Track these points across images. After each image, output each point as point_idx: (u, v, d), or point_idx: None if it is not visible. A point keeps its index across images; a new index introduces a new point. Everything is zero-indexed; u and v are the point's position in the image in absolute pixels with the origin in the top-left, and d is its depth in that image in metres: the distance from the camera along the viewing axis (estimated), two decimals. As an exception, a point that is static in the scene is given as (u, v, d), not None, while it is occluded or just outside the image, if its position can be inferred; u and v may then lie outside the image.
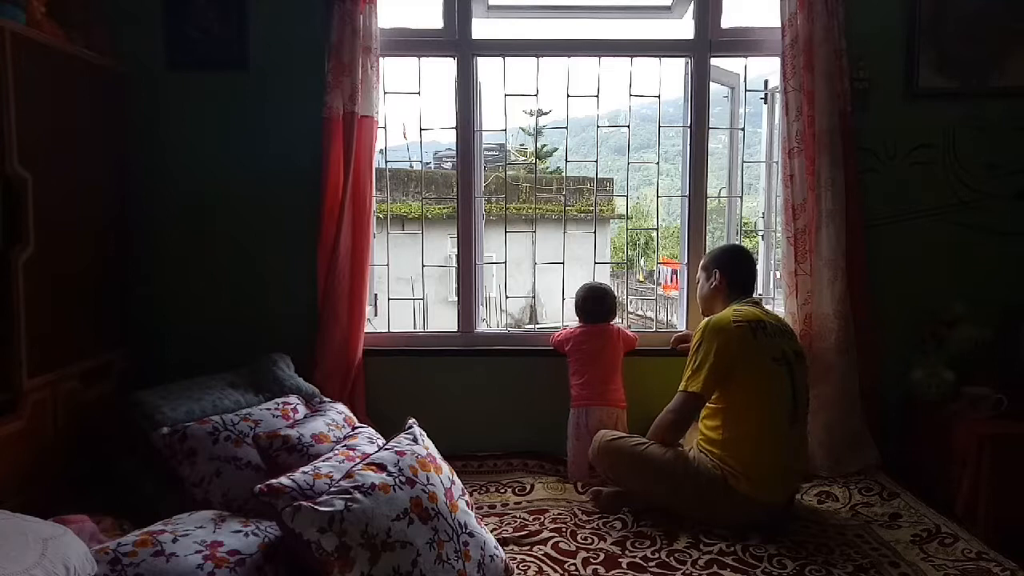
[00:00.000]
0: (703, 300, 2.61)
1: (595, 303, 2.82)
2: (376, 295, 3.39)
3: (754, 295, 2.57)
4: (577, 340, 2.78)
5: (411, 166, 8.49)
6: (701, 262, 2.67)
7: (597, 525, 2.30)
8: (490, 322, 7.81)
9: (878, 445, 2.73)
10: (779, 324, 2.41)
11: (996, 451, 2.41)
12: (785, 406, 2.27)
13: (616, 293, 2.94)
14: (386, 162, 3.29)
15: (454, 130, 2.99)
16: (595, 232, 3.24)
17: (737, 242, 3.06)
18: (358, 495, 1.62)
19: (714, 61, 2.98)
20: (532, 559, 2.07)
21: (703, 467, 2.29)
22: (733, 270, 2.53)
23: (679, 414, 2.36)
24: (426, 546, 1.65)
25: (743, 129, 3.15)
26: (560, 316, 3.28)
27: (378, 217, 3.14)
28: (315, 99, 2.74)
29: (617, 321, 2.91)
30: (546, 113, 15.23)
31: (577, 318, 2.88)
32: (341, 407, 2.35)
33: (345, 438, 2.07)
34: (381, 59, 2.85)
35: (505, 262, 3.25)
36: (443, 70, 3.05)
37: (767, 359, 2.28)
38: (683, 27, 3.09)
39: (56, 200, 2.27)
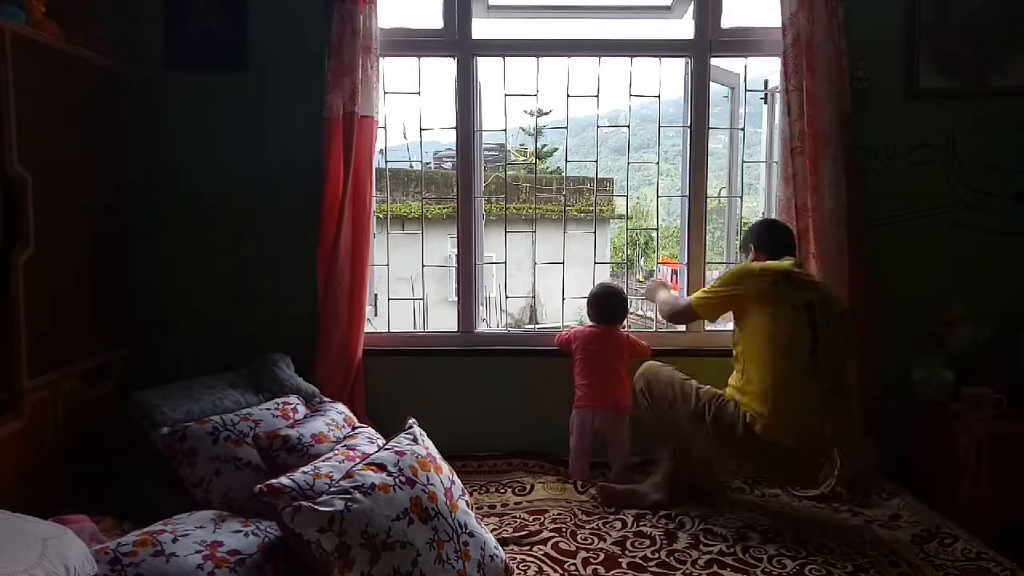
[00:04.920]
0: None
1: (604, 303, 2.83)
2: (376, 295, 3.38)
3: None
4: (584, 340, 2.78)
5: (411, 166, 8.49)
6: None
7: (597, 525, 2.30)
8: (490, 322, 7.80)
9: (878, 445, 2.73)
10: (816, 282, 2.43)
11: (996, 451, 2.41)
12: (801, 353, 2.26)
13: (627, 296, 2.94)
14: (386, 162, 3.29)
15: (454, 130, 2.99)
16: (595, 232, 3.24)
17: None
18: (358, 495, 1.62)
19: (714, 61, 2.98)
20: (532, 559, 2.07)
21: (727, 408, 2.32)
22: (766, 236, 2.56)
23: (676, 312, 2.64)
24: (426, 546, 1.65)
25: (743, 129, 3.15)
26: (560, 316, 3.28)
27: (378, 217, 3.14)
28: (315, 99, 2.74)
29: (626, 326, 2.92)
30: (546, 113, 15.21)
31: (588, 317, 2.88)
32: (341, 407, 2.35)
33: (345, 438, 2.07)
34: (381, 59, 2.85)
35: (505, 262, 3.24)
36: (443, 70, 3.06)
37: (786, 305, 2.30)
38: (683, 27, 3.09)
39: (56, 200, 2.27)
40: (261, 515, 1.77)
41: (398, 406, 2.60)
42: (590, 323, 2.87)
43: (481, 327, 3.12)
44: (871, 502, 2.51)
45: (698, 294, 2.52)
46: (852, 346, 2.50)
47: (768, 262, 2.44)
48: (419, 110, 3.05)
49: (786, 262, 2.42)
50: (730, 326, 3.23)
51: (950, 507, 2.43)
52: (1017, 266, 2.89)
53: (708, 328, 3.07)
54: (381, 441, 2.05)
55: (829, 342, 2.32)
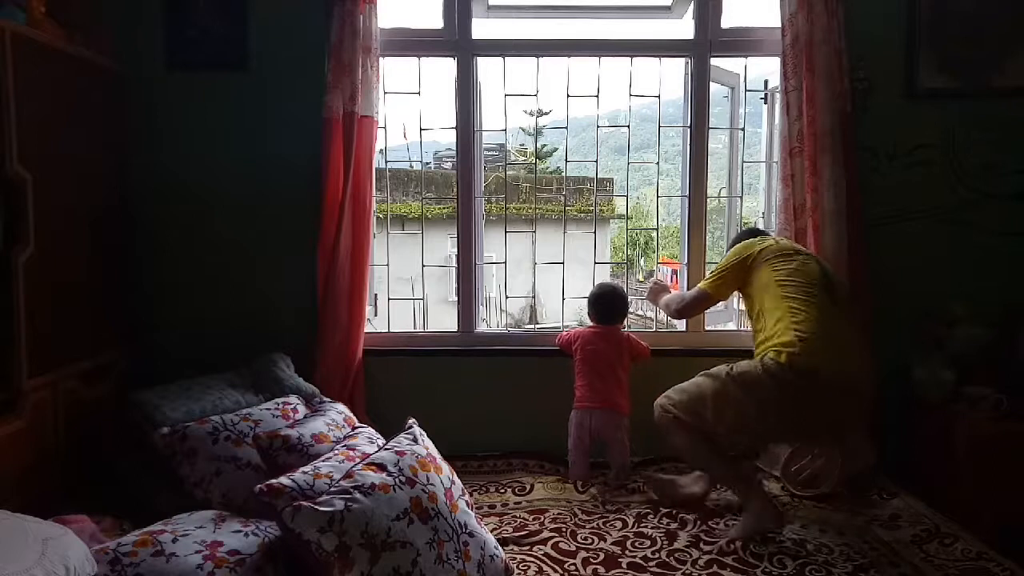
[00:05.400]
0: None
1: (604, 302, 2.82)
2: (376, 295, 3.39)
3: None
4: (584, 340, 2.78)
5: (411, 166, 8.50)
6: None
7: (597, 525, 2.30)
8: (490, 322, 7.80)
9: (878, 445, 2.72)
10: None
11: (996, 451, 2.41)
12: (818, 281, 2.29)
13: (627, 296, 2.93)
14: (386, 162, 3.29)
15: (454, 130, 2.99)
16: (595, 232, 3.24)
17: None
18: (358, 495, 1.62)
19: (714, 61, 2.98)
20: (532, 559, 2.07)
21: (743, 363, 2.27)
22: (744, 235, 2.62)
23: (686, 304, 2.64)
24: (426, 546, 1.65)
25: (743, 129, 3.15)
26: (560, 316, 3.28)
27: (378, 217, 3.14)
28: (315, 99, 2.74)
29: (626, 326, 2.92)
30: (546, 113, 15.23)
31: (589, 318, 2.88)
32: (341, 407, 2.35)
33: (345, 438, 2.07)
34: (381, 59, 2.85)
35: (505, 262, 3.24)
36: (443, 70, 3.06)
37: (791, 253, 2.38)
38: (683, 27, 3.09)
39: (56, 200, 2.27)
40: (261, 515, 1.77)
41: (398, 406, 2.60)
42: (591, 323, 2.87)
43: (481, 327, 3.12)
44: (871, 502, 2.51)
45: (706, 280, 2.56)
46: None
47: None
48: (419, 110, 3.06)
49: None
50: (731, 325, 3.26)
51: (950, 507, 2.43)
52: (1017, 266, 2.89)
53: (708, 328, 3.07)
54: (381, 441, 2.05)
55: (840, 285, 2.35)
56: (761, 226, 3.27)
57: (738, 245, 2.52)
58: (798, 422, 2.23)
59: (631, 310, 3.28)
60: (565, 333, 2.88)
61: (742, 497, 2.32)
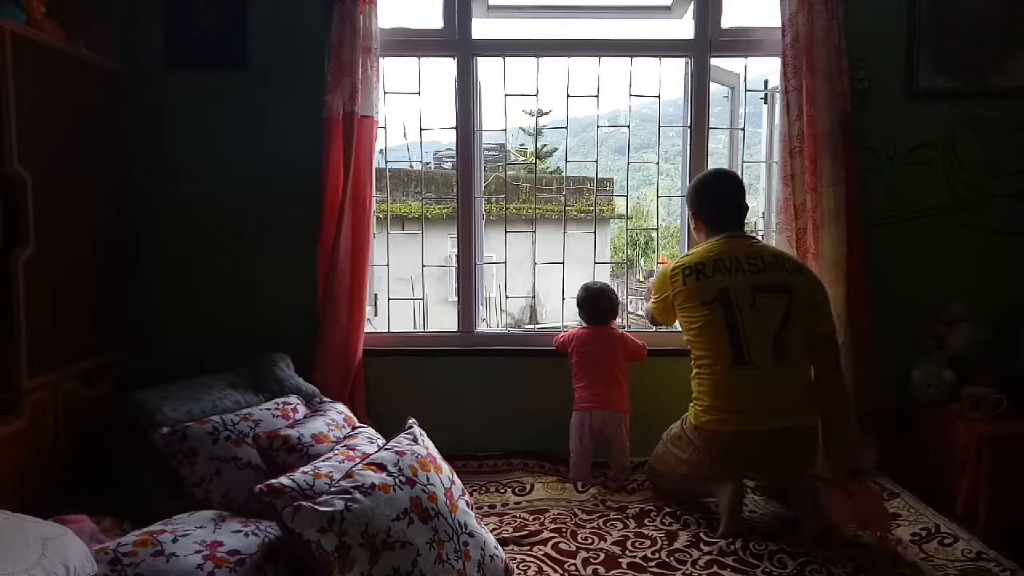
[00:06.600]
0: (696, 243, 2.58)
1: (590, 302, 2.81)
2: (376, 295, 3.38)
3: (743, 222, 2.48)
4: (579, 342, 2.77)
5: (411, 166, 8.47)
6: None
7: (597, 525, 2.30)
8: (490, 322, 7.80)
9: (878, 445, 2.73)
10: (738, 260, 2.30)
11: (996, 451, 2.41)
12: (721, 348, 2.27)
13: (616, 293, 2.91)
14: (386, 162, 3.29)
15: (454, 130, 2.99)
16: (595, 232, 3.24)
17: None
18: (358, 495, 1.62)
19: (714, 61, 2.98)
20: (532, 559, 2.07)
21: (675, 427, 2.47)
22: (700, 203, 2.52)
23: (652, 317, 2.68)
24: (426, 546, 1.65)
25: (743, 129, 3.15)
26: (560, 316, 3.27)
27: (378, 217, 3.14)
28: (315, 99, 2.74)
29: (620, 323, 2.91)
30: (546, 113, 15.18)
31: (580, 318, 2.88)
32: (341, 407, 2.35)
33: (345, 438, 2.07)
34: (381, 59, 2.85)
35: (505, 262, 3.24)
36: (443, 70, 3.06)
37: (696, 303, 2.32)
38: (683, 27, 3.09)
39: (56, 200, 2.27)
40: (261, 515, 1.77)
41: (398, 406, 2.60)
42: (583, 325, 2.86)
43: (481, 327, 3.12)
44: (871, 502, 2.51)
45: (652, 300, 2.59)
46: (822, 315, 2.35)
47: (693, 251, 2.45)
48: (419, 110, 3.06)
49: (712, 245, 2.38)
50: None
51: (950, 507, 2.43)
52: (1017, 266, 2.89)
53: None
54: (381, 441, 2.05)
55: (763, 318, 2.24)
56: (761, 225, 3.28)
57: (659, 277, 2.49)
58: (734, 472, 2.30)
59: (631, 310, 3.28)
60: (561, 335, 2.87)
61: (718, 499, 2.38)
